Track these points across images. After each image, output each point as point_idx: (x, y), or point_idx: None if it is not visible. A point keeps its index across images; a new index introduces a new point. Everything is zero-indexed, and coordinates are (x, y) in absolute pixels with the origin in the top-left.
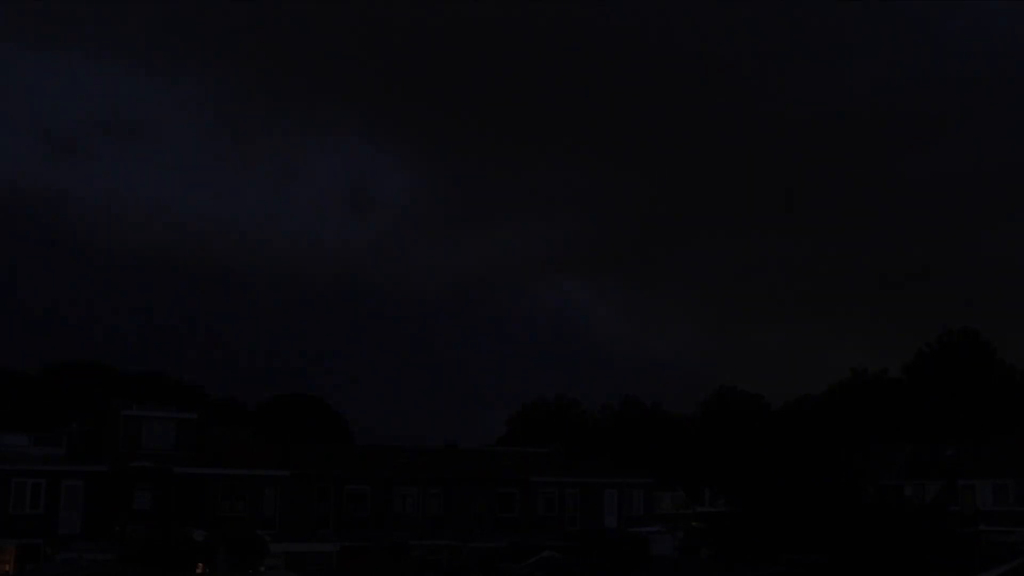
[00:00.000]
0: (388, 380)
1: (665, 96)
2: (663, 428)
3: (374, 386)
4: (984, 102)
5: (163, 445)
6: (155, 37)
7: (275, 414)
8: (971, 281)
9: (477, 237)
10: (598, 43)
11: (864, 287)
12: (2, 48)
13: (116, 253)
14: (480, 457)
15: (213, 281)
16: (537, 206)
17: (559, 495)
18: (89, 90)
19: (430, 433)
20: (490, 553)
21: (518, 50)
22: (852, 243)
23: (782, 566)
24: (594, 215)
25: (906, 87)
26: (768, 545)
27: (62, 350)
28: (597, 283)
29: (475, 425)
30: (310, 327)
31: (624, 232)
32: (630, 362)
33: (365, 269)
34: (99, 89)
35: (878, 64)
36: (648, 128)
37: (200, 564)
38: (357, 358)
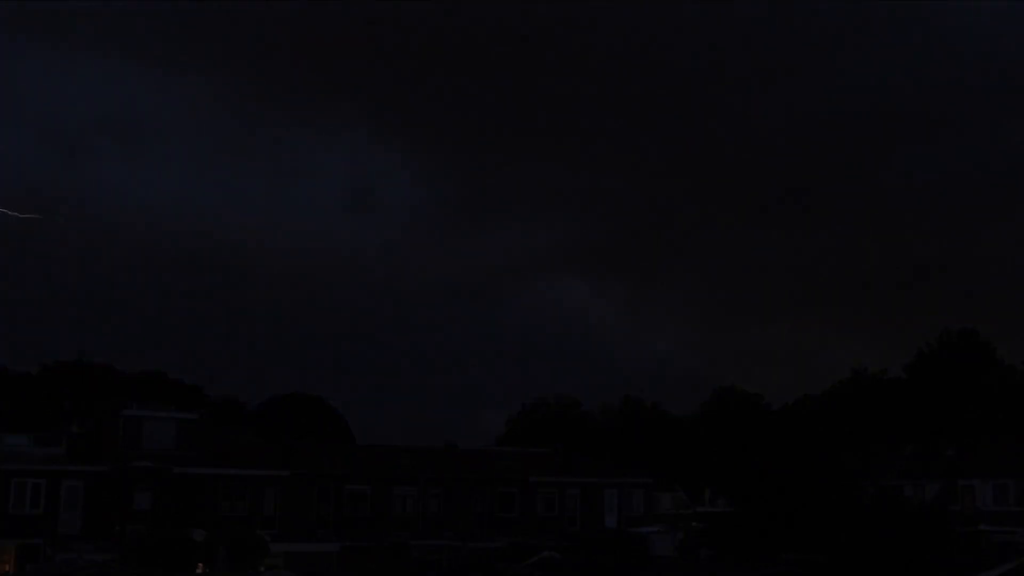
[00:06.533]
0: (388, 380)
1: (665, 96)
2: (663, 428)
3: (374, 386)
4: (984, 102)
5: (163, 445)
6: (157, 36)
7: (275, 414)
8: (971, 281)
9: (477, 237)
10: (598, 43)
11: (864, 287)
12: (2, 47)
13: (117, 253)
14: (480, 457)
15: (214, 281)
16: (537, 206)
17: (559, 495)
18: (90, 89)
19: (430, 433)
20: (490, 553)
21: (518, 50)
22: (852, 243)
23: (782, 566)
24: (594, 215)
25: (906, 87)
26: (768, 545)
27: (62, 350)
28: (597, 283)
29: (475, 425)
30: (310, 327)
31: (624, 232)
32: (630, 362)
33: (366, 269)
34: (101, 88)
35: (878, 64)
36: (648, 128)
37: (200, 564)
38: (358, 358)
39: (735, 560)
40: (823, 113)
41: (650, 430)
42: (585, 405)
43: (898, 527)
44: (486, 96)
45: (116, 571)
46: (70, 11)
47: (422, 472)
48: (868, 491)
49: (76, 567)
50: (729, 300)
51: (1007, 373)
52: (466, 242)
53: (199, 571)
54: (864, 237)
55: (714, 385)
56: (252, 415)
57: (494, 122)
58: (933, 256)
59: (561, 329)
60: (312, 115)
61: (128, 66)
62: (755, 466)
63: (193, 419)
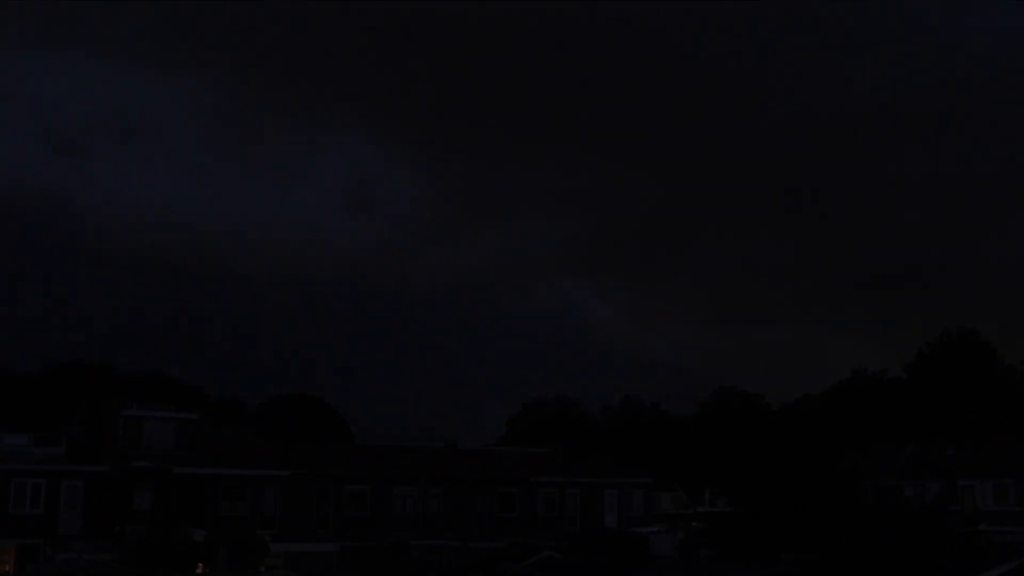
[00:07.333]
0: (388, 380)
1: (665, 96)
2: (663, 428)
3: (374, 386)
4: (984, 102)
5: (163, 445)
6: (157, 37)
7: (275, 414)
8: (971, 281)
9: (477, 237)
10: (599, 43)
11: (864, 287)
12: (4, 49)
13: (117, 253)
14: (480, 457)
15: (214, 281)
16: (537, 206)
17: (559, 495)
18: (91, 90)
19: (430, 433)
20: (490, 553)
21: (518, 50)
22: (852, 243)
23: (782, 566)
24: (594, 215)
25: (906, 87)
26: (768, 545)
27: (62, 350)
28: (597, 283)
29: (475, 425)
30: (310, 327)
31: (624, 232)
32: (630, 362)
33: (366, 269)
34: (101, 89)
35: (879, 64)
36: (649, 128)
37: (200, 564)
38: (357, 358)
39: (735, 560)
40: (823, 114)
41: (650, 430)
42: (585, 405)
43: (898, 527)
44: (485, 96)
45: (116, 571)
46: (70, 11)
47: (422, 472)
48: (868, 491)
49: (76, 567)
50: (729, 300)
51: (1007, 373)
52: (466, 242)
53: (199, 571)
54: (864, 237)
55: (714, 385)
56: (252, 415)
57: (493, 122)
58: (933, 256)
59: (561, 329)
60: (311, 116)
61: (130, 67)
62: (755, 466)
63: (193, 419)
